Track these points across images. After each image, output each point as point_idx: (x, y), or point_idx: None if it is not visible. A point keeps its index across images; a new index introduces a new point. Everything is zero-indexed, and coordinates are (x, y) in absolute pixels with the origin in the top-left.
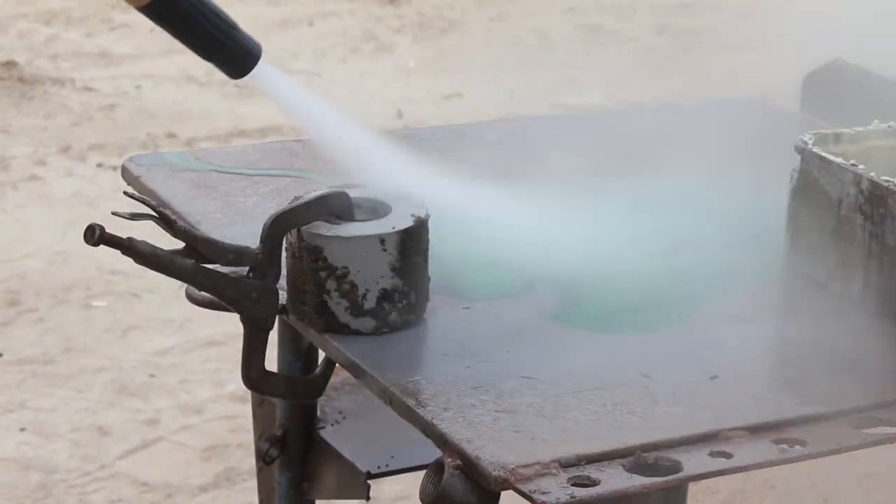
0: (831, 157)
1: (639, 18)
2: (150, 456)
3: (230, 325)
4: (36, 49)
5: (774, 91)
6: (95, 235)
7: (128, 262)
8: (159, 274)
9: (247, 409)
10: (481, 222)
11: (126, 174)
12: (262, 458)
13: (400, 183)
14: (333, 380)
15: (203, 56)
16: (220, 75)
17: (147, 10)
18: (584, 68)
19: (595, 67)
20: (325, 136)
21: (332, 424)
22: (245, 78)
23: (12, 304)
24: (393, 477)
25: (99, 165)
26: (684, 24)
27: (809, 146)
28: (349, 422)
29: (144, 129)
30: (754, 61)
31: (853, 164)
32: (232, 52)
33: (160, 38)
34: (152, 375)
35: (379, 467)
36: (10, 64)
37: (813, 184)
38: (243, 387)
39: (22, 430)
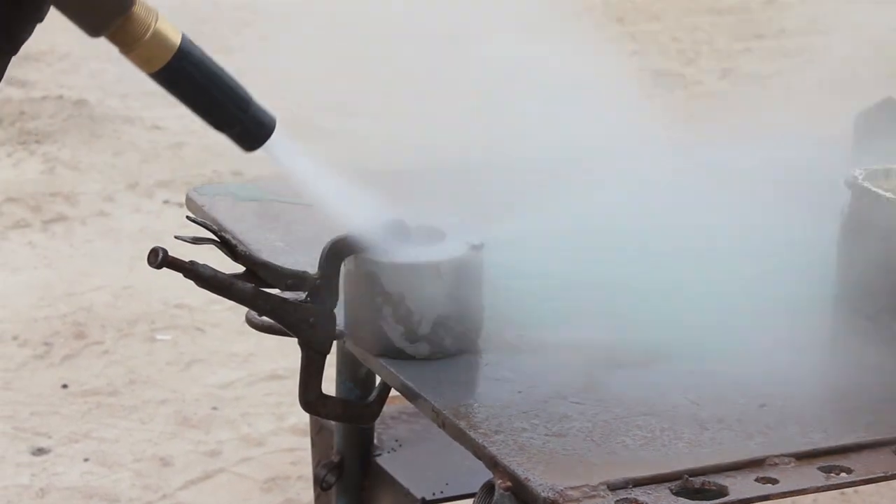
0: (881, 192)
1: (702, 62)
2: (212, 487)
3: (292, 360)
4: (106, 88)
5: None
6: (159, 258)
7: (192, 297)
8: (223, 309)
9: (308, 443)
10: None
11: (190, 204)
12: (320, 484)
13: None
14: (390, 409)
15: (214, 127)
16: (286, 114)
17: (158, 77)
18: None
19: (658, 110)
20: (340, 210)
21: (389, 451)
22: (259, 150)
23: (79, 337)
24: None
25: (165, 202)
26: (748, 68)
27: (860, 181)
28: (405, 449)
29: (210, 166)
30: (815, 104)
31: None
32: (244, 126)
33: None
34: (215, 408)
35: (434, 494)
36: (81, 102)
37: (863, 218)
38: (305, 420)
39: (86, 459)
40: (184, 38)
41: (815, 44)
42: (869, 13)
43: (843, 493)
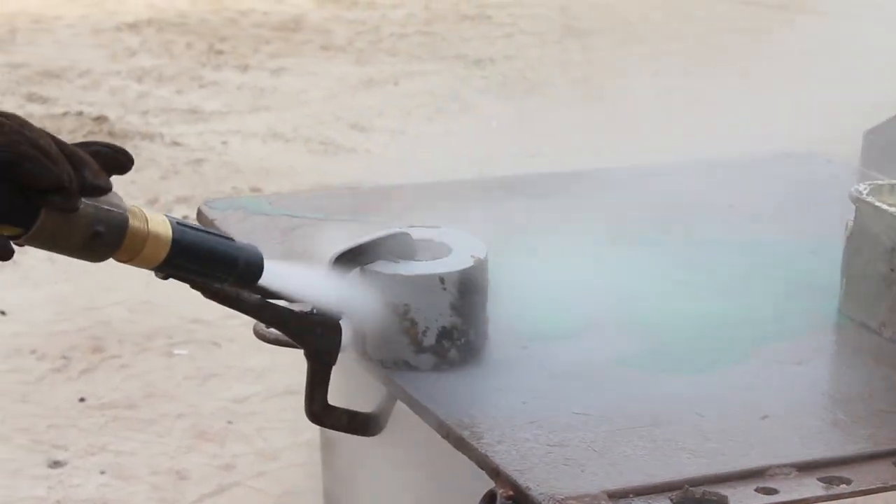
0: (885, 207)
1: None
2: (226, 500)
3: None
4: (127, 105)
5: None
6: None
7: (209, 312)
8: (239, 324)
9: None
10: None
11: (202, 218)
12: (331, 499)
13: None
14: None
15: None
16: (305, 132)
17: (158, 270)
18: (669, 130)
19: (677, 129)
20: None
21: None
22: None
23: (96, 351)
24: None
25: (185, 218)
26: (764, 85)
27: (864, 196)
28: None
29: (230, 183)
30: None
31: None
32: (236, 278)
33: (248, 96)
34: (230, 422)
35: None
36: (102, 119)
37: (867, 232)
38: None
39: (102, 472)
40: (173, 227)
41: (831, 63)
42: (881, 34)
43: None
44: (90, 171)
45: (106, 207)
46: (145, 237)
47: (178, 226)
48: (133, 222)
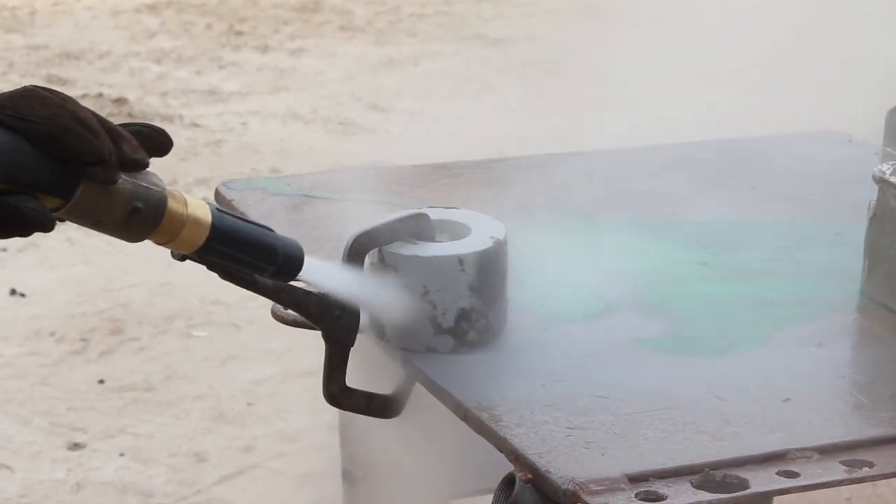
0: None
1: (745, 60)
2: (246, 482)
3: None
4: (146, 86)
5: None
6: None
7: (228, 293)
8: (259, 306)
9: None
10: None
11: (219, 198)
12: (349, 480)
13: None
14: None
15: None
16: (324, 112)
17: (193, 256)
18: (689, 110)
19: (700, 109)
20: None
21: None
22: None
23: (115, 333)
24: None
25: (203, 199)
26: (788, 65)
27: (887, 176)
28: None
29: (249, 164)
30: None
31: None
32: (276, 271)
33: (268, 77)
34: (250, 404)
35: (462, 489)
36: (121, 100)
37: (890, 213)
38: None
39: (121, 455)
40: (213, 212)
41: (852, 43)
42: None
43: (874, 486)
44: (129, 146)
45: (144, 185)
46: (184, 219)
47: (218, 211)
48: (172, 202)
